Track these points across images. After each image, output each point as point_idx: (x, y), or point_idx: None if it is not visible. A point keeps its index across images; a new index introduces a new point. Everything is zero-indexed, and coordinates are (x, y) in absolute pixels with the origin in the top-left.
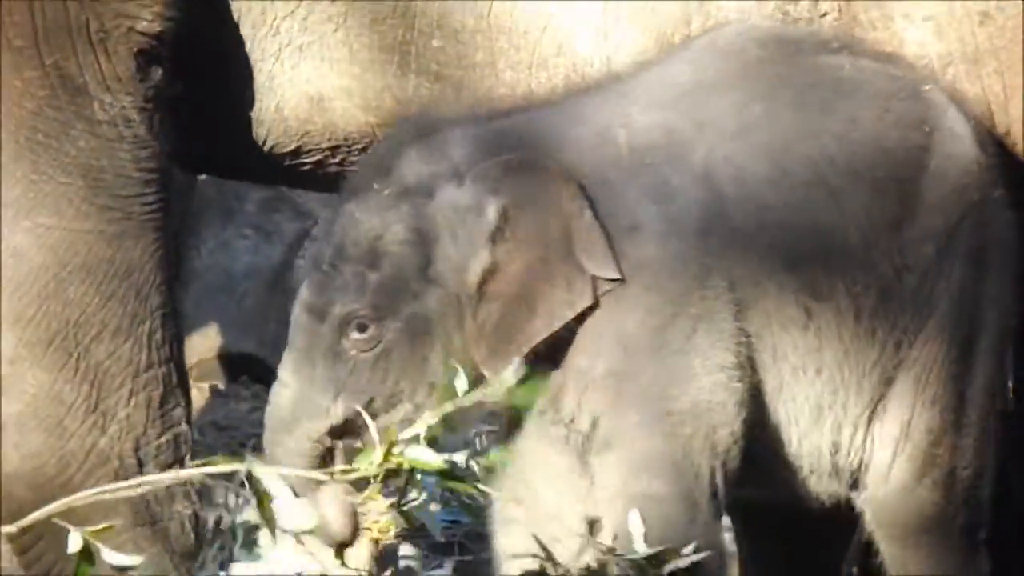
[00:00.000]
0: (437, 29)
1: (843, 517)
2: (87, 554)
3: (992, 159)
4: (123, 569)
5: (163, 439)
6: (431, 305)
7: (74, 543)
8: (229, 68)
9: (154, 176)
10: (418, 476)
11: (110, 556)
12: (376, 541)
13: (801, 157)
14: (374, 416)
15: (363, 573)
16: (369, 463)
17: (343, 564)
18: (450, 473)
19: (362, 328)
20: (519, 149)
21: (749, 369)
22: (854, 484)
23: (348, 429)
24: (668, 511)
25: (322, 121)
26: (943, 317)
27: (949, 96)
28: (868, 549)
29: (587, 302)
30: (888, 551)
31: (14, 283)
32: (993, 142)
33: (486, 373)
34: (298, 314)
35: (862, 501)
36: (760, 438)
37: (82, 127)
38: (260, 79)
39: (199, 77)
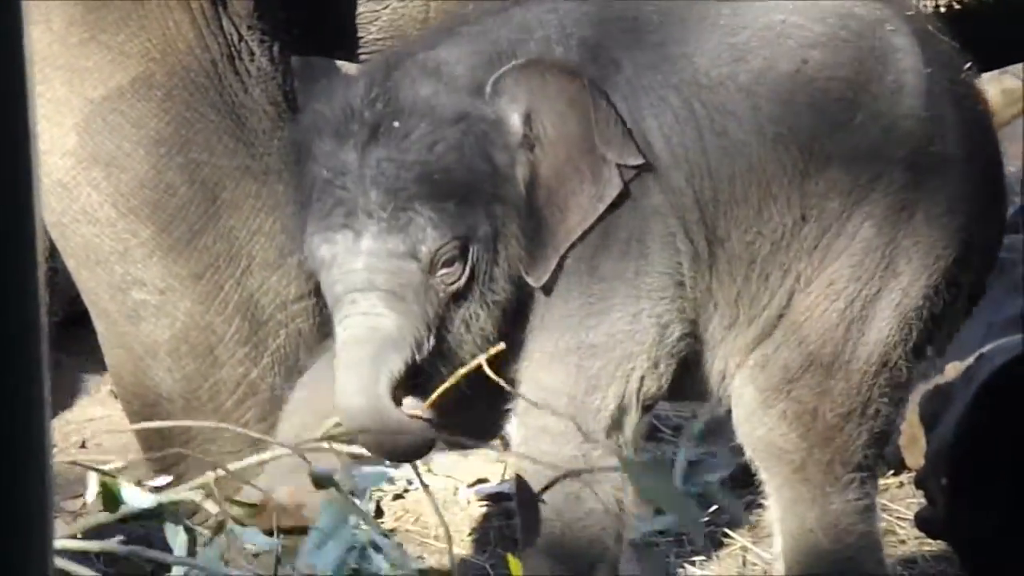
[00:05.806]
0: None
1: None
2: (110, 496)
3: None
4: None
5: None
6: (501, 221)
7: (92, 488)
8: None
9: (282, 109)
10: None
11: (131, 496)
12: None
13: (711, 104)
14: (454, 346)
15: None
16: None
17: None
18: None
19: (450, 262)
20: (512, 53)
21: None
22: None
23: (425, 368)
24: (561, 449)
25: None
26: (838, 271)
27: (924, 37)
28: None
29: (615, 191)
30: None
31: (166, 217)
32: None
33: (531, 282)
34: (373, 261)
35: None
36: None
37: (225, 65)
38: None
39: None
